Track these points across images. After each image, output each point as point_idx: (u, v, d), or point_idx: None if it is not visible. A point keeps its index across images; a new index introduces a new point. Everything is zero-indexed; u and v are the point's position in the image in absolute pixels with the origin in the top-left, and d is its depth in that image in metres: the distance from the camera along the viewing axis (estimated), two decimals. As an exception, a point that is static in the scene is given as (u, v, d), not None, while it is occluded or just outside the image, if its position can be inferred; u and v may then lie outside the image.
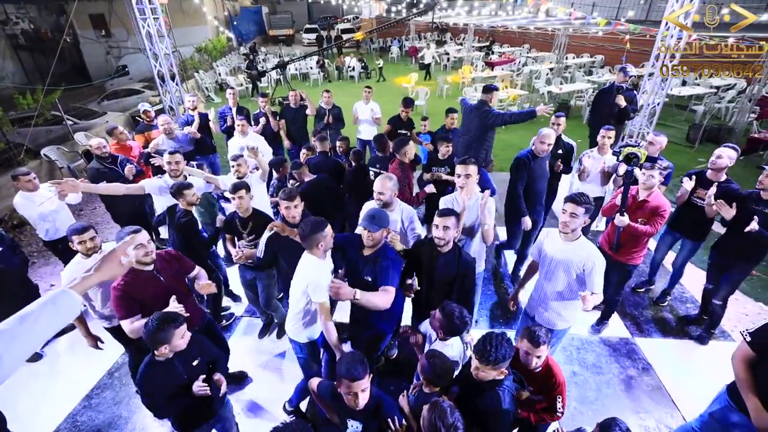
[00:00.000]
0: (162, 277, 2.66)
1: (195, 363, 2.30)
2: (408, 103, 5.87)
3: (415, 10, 18.96)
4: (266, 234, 3.01)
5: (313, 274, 2.53)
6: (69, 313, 1.19)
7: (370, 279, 2.68)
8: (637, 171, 3.59)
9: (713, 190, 3.53)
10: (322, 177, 4.21)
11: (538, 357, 2.21)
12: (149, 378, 2.15)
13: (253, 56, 15.55)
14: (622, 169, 4.25)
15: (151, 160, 4.74)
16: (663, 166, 3.76)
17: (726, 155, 3.57)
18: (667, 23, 6.17)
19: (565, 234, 2.71)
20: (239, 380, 3.57)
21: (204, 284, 2.82)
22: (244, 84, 15.46)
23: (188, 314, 2.51)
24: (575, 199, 2.62)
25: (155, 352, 2.12)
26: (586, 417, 3.21)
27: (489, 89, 4.98)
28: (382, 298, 2.50)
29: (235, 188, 3.32)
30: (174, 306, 2.48)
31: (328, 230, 2.54)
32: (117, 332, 2.93)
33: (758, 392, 2.14)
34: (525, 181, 4.05)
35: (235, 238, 3.56)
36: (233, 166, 4.06)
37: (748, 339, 2.18)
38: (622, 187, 3.44)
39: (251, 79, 14.99)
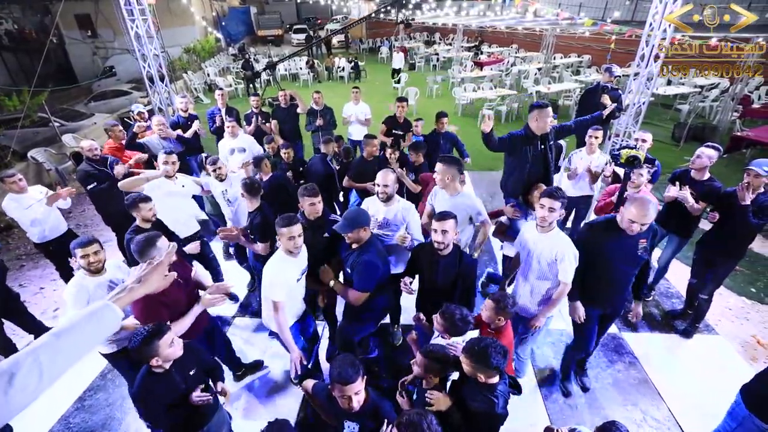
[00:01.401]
0: (181, 279, 2.69)
1: (192, 372, 2.29)
2: (401, 98, 5.86)
3: (376, 8, 18.30)
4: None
5: (271, 270, 2.68)
6: (111, 327, 1.17)
7: (349, 271, 2.82)
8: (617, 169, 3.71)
9: (685, 192, 3.65)
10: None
11: (499, 320, 2.49)
12: (147, 389, 2.13)
13: (249, 56, 15.43)
14: (609, 170, 4.34)
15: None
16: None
17: (705, 155, 3.68)
18: (651, 24, 6.30)
19: (542, 227, 2.80)
20: (254, 369, 3.67)
21: (208, 297, 2.76)
22: (233, 84, 15.37)
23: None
24: (552, 194, 2.70)
25: (150, 364, 2.10)
26: (575, 410, 3.29)
27: (533, 107, 3.70)
28: (353, 298, 2.81)
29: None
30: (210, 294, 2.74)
31: (296, 229, 2.63)
32: (115, 357, 2.90)
33: None
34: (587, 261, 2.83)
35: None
36: (213, 170, 4.12)
37: None
38: (619, 188, 3.47)
39: (246, 79, 14.93)
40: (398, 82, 14.96)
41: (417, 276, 3.02)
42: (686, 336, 4.00)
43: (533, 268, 2.89)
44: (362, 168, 4.60)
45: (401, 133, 5.75)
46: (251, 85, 14.79)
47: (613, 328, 4.10)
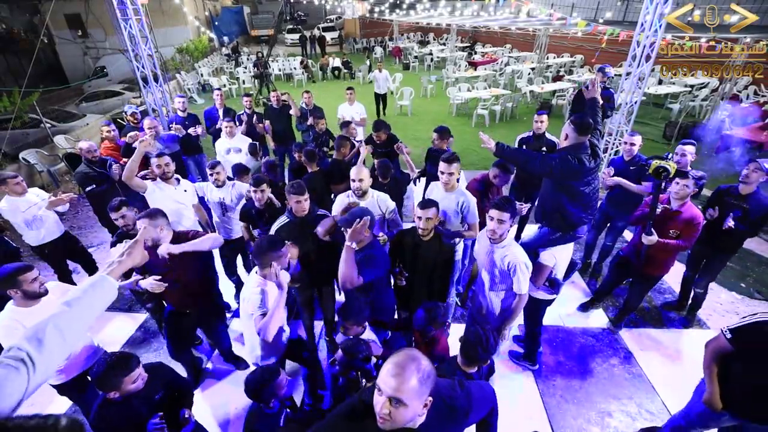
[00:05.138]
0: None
1: (158, 397, 2.17)
2: (379, 126, 5.02)
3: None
4: (277, 224, 3.16)
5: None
6: (110, 295, 1.38)
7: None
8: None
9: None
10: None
11: (430, 329, 2.53)
12: (104, 419, 2.00)
13: (262, 54, 15.03)
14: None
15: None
16: (698, 176, 3.75)
17: (688, 152, 3.82)
18: (642, 24, 6.38)
19: (492, 240, 2.71)
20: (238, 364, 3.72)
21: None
22: (227, 84, 15.31)
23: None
24: (499, 205, 2.58)
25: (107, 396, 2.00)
26: (572, 404, 3.34)
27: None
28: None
29: (258, 182, 3.51)
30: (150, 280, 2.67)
31: (286, 251, 2.58)
32: (65, 389, 2.74)
33: (725, 384, 2.30)
34: None
35: (250, 227, 3.87)
36: (211, 174, 3.99)
37: (729, 336, 2.21)
38: (651, 201, 3.28)
39: (256, 78, 14.72)
40: (383, 108, 11.33)
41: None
42: (687, 324, 4.14)
43: (485, 280, 2.87)
44: (336, 169, 4.47)
45: (385, 150, 5.19)
46: (264, 84, 14.32)
47: (607, 323, 4.18)
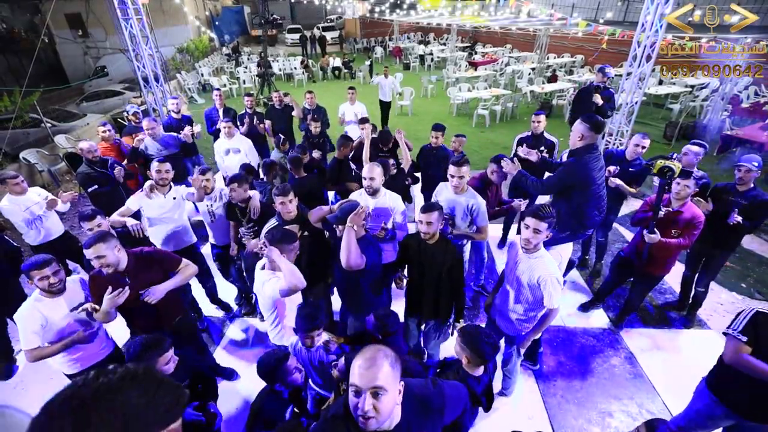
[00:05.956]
0: (128, 279, 2.59)
1: (184, 384, 2.19)
2: (386, 138, 4.89)
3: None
4: (266, 227, 3.13)
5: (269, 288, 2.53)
6: None
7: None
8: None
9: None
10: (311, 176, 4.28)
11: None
12: None
13: (264, 54, 14.96)
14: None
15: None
16: (699, 176, 3.76)
17: (692, 152, 3.79)
18: (643, 24, 6.39)
19: (526, 249, 2.60)
20: (228, 376, 3.59)
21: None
22: (227, 84, 15.30)
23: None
24: (538, 213, 2.45)
25: None
26: (573, 404, 3.34)
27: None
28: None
29: (231, 180, 3.51)
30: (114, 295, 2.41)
31: (297, 245, 2.58)
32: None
33: (728, 383, 2.28)
34: None
35: (237, 226, 3.75)
36: (201, 181, 3.77)
37: (744, 339, 2.10)
38: (655, 200, 3.25)
39: (259, 76, 14.67)
40: (387, 119, 10.31)
41: (406, 267, 3.08)
42: (687, 325, 4.13)
43: (512, 289, 2.79)
44: (334, 168, 4.49)
45: (387, 151, 5.12)
46: (265, 83, 14.11)
47: (608, 324, 4.18)
